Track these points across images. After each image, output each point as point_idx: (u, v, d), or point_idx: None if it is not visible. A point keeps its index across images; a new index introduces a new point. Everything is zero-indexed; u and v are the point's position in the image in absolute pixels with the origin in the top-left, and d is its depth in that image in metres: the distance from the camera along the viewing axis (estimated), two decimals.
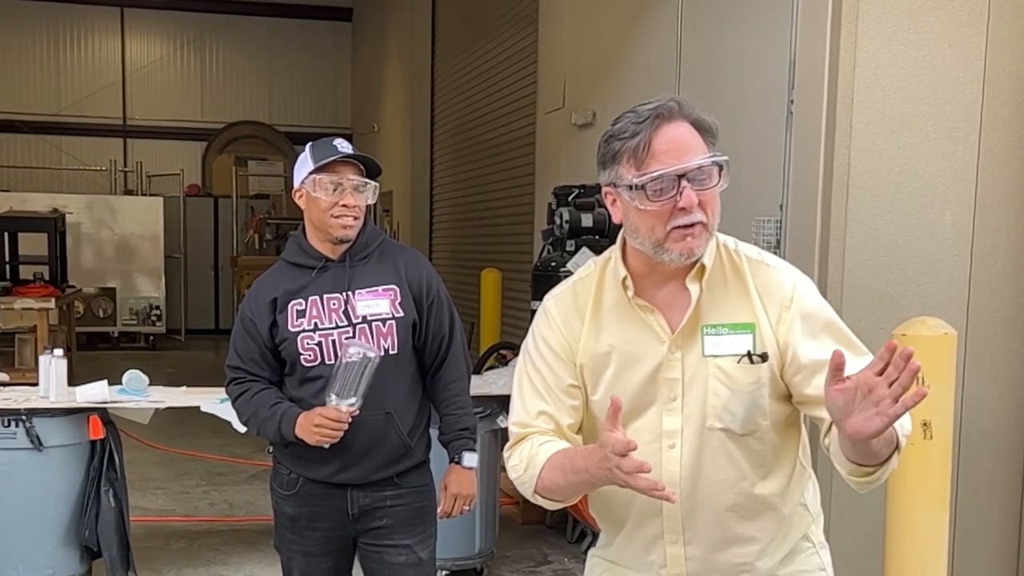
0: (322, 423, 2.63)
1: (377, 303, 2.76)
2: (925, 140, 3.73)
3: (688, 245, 1.76)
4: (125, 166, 15.62)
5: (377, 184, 2.81)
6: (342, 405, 2.61)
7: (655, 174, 1.73)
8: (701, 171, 1.75)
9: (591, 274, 1.95)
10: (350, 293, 2.76)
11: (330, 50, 16.57)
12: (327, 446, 2.67)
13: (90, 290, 13.18)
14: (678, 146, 1.75)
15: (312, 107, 16.51)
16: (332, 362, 2.70)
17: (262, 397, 2.78)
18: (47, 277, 9.95)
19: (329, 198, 2.72)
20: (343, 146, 2.76)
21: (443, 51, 11.61)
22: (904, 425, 1.73)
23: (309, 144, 2.82)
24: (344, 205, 2.72)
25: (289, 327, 2.74)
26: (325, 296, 2.76)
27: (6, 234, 10.22)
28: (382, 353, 2.74)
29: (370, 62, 14.99)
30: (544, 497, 1.90)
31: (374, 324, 2.75)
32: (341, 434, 2.64)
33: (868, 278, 3.72)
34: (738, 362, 1.81)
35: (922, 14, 3.69)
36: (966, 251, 3.79)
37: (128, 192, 15.06)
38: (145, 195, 14.79)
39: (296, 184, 2.82)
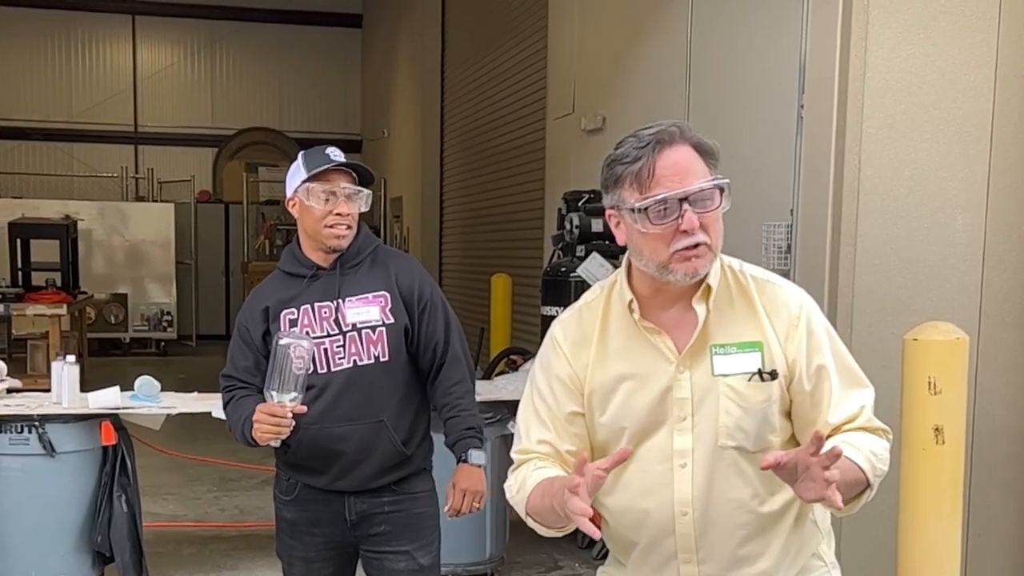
0: (260, 419, 2.56)
1: (367, 310, 2.75)
2: (936, 144, 3.72)
3: (693, 265, 1.79)
4: (136, 173, 15.67)
5: (370, 192, 2.79)
6: (284, 400, 2.52)
7: (658, 197, 1.76)
8: (703, 194, 1.77)
9: (597, 298, 1.97)
10: (340, 301, 2.74)
11: (340, 56, 16.62)
12: (276, 444, 2.61)
13: (102, 296, 13.22)
14: (680, 170, 1.77)
15: (322, 113, 16.55)
16: (324, 371, 2.70)
17: (241, 404, 2.75)
18: (59, 283, 9.99)
19: (323, 207, 2.71)
20: (336, 154, 2.75)
21: (453, 57, 11.63)
22: (876, 467, 1.80)
23: (301, 153, 2.81)
24: (338, 214, 2.72)
25: None
26: (316, 304, 2.75)
27: (18, 241, 10.25)
28: (371, 360, 2.73)
29: (380, 68, 15.03)
30: (533, 520, 1.93)
31: (364, 332, 2.73)
32: (287, 432, 2.56)
33: (879, 283, 3.71)
34: (748, 380, 1.82)
35: (932, 19, 3.68)
36: (978, 256, 3.78)
37: (139, 198, 15.10)
38: (156, 201, 14.84)
39: (289, 193, 2.80)
